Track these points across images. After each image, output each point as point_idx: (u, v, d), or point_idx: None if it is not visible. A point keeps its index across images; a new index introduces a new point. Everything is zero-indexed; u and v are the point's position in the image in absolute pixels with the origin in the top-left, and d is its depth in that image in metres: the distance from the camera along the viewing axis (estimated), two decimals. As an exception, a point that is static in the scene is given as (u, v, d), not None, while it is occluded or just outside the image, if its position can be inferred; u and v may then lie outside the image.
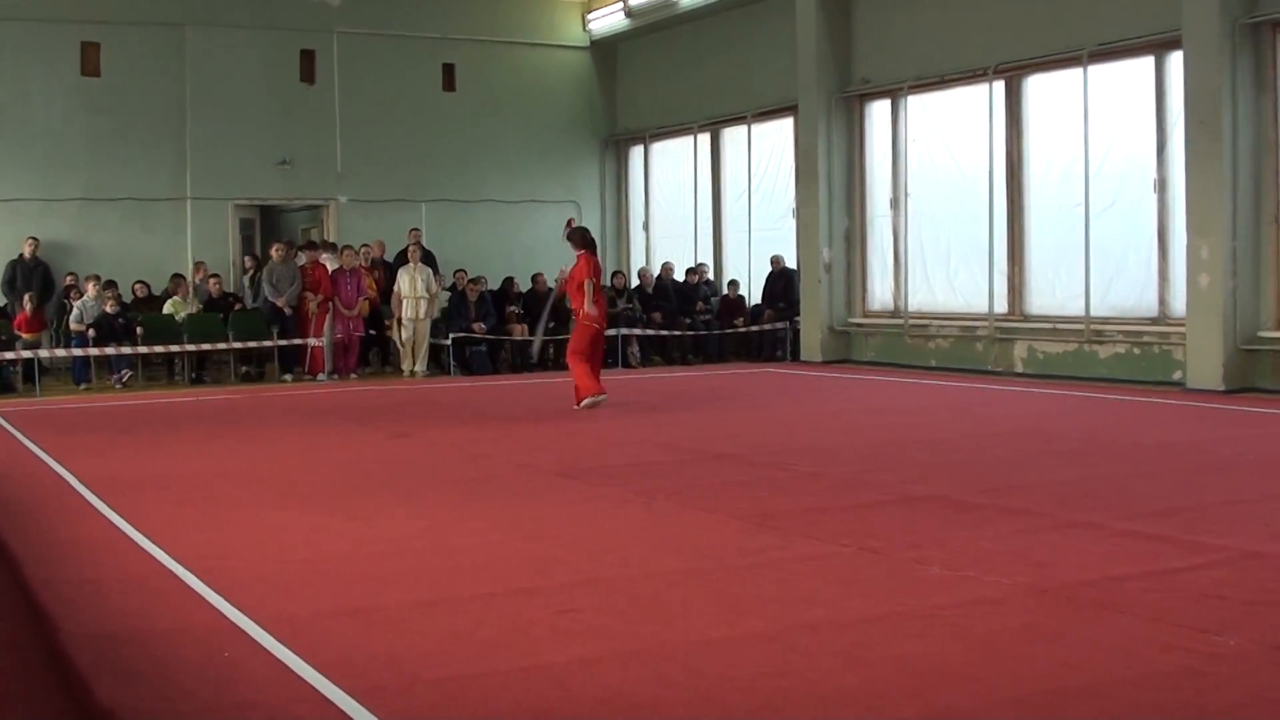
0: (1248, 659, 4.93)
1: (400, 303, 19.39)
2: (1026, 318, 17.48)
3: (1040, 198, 17.32)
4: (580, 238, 14.31)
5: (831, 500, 8.42)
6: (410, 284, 19.33)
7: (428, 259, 20.23)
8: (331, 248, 20.60)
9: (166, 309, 19.12)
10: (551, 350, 19.87)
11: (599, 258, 14.74)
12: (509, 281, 20.99)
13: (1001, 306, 17.74)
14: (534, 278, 20.80)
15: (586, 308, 13.82)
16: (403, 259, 20.12)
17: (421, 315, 19.38)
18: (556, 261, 21.99)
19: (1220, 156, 14.42)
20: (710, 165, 23.32)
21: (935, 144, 18.77)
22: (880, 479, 9.21)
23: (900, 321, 19.25)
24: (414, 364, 19.40)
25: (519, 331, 19.90)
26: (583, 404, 13.76)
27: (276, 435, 12.75)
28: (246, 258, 20.82)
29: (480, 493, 8.96)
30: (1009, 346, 17.55)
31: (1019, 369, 17.33)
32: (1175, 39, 15.10)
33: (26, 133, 20.56)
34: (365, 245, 20.57)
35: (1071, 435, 11.53)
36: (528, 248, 23.20)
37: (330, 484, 9.49)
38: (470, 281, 19.87)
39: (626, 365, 19.83)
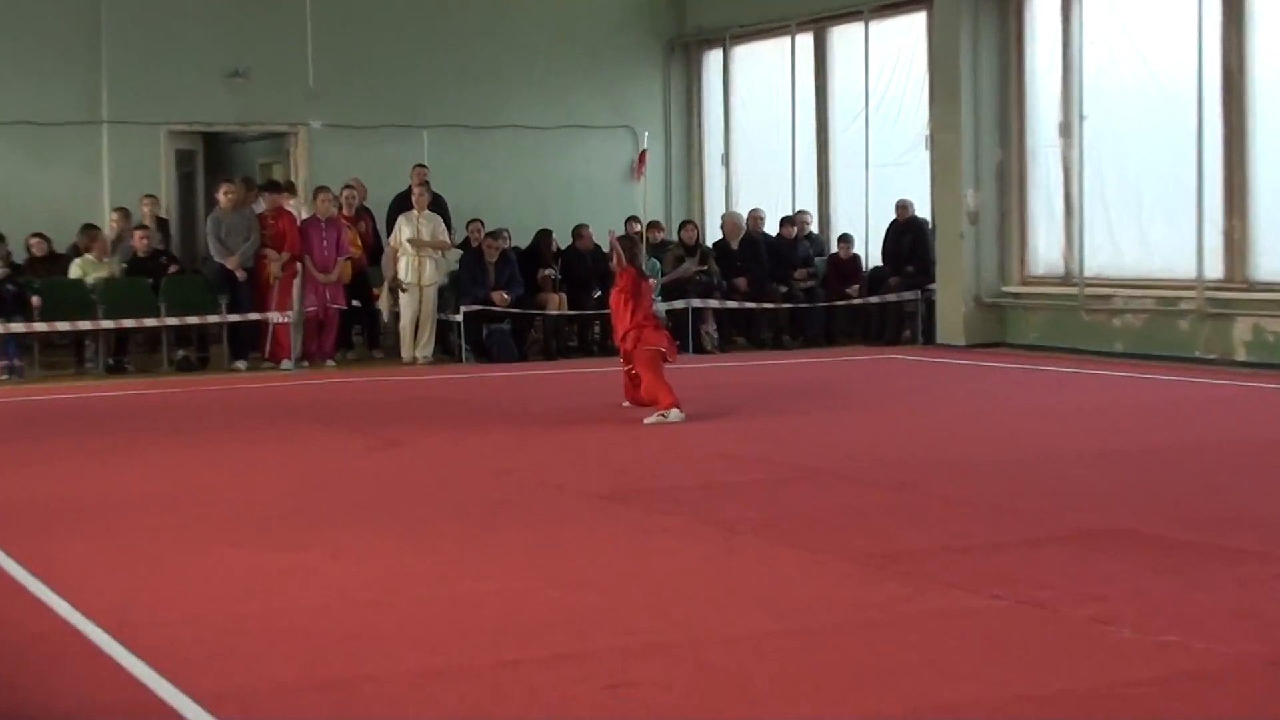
0: None
1: (398, 263, 19.41)
2: (1250, 286, 17.30)
3: (1270, 121, 17.13)
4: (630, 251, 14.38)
5: (978, 535, 8.40)
6: (414, 238, 19.32)
7: (437, 206, 20.26)
8: (292, 190, 20.71)
9: (74, 272, 19.13)
10: (598, 328, 19.92)
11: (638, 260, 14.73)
12: (543, 235, 20.88)
13: (1215, 271, 17.57)
14: (576, 231, 20.76)
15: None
16: (402, 204, 20.15)
17: (427, 281, 19.40)
18: (604, 208, 22.03)
19: None
20: (813, 78, 23.25)
21: (1122, 47, 18.60)
22: (1044, 506, 9.17)
23: (1074, 290, 19.13)
24: (417, 347, 19.46)
25: (555, 304, 19.87)
26: (653, 419, 13.39)
27: (226, 444, 12.82)
28: (144, 199, 20.43)
29: (502, 522, 8.99)
30: (1226, 325, 17.39)
31: (1239, 355, 17.17)
32: None
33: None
34: (347, 187, 20.62)
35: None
36: (566, 189, 23.21)
37: (299, 511, 9.53)
38: (488, 236, 19.84)
39: (700, 350, 19.81)
